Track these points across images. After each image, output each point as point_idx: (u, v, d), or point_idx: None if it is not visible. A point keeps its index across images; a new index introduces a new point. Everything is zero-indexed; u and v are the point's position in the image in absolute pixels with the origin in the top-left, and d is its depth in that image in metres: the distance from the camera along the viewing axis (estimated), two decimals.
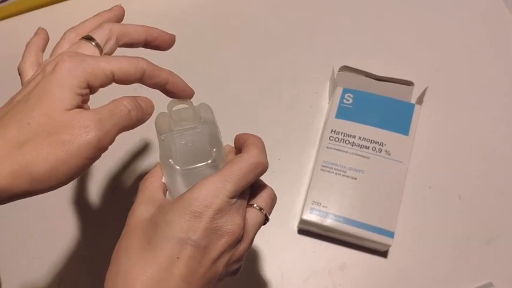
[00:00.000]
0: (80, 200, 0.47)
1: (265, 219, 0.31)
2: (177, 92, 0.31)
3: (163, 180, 0.31)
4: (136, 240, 0.27)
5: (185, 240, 0.26)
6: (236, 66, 0.53)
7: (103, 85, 0.28)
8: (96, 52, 0.30)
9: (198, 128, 0.32)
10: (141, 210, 0.29)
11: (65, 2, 0.57)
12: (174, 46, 0.55)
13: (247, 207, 0.30)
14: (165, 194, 0.31)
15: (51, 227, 0.46)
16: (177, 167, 0.30)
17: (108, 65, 0.27)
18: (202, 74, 0.52)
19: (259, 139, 0.31)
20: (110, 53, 0.31)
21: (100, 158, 0.28)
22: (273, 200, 0.32)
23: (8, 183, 0.24)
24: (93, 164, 0.28)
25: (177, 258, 0.26)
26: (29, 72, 0.31)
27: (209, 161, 0.31)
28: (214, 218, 0.27)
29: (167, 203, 0.28)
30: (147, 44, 0.33)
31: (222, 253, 0.27)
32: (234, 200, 0.28)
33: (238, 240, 0.28)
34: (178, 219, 0.26)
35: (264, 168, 0.30)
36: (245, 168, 0.28)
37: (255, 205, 0.30)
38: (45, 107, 0.25)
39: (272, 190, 0.32)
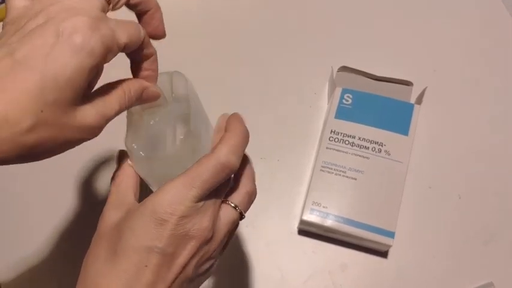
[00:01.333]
0: (79, 197, 0.46)
1: (241, 216, 0.30)
2: (149, 68, 0.29)
3: (135, 168, 0.30)
4: (103, 249, 0.26)
5: (151, 249, 0.25)
6: (235, 67, 0.53)
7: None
8: (104, 4, 0.27)
9: (168, 106, 0.29)
10: (110, 214, 0.28)
11: None
12: (172, 44, 0.54)
13: (222, 202, 0.29)
14: (136, 195, 0.30)
15: (50, 220, 0.45)
16: (141, 154, 0.28)
17: (123, 37, 0.25)
18: (200, 74, 0.52)
19: (235, 134, 0.29)
20: (117, 9, 0.28)
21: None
22: (251, 195, 0.30)
23: None
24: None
25: (145, 266, 0.25)
26: None
27: (174, 150, 0.28)
28: (179, 224, 0.26)
29: (134, 208, 0.27)
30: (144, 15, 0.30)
31: (191, 257, 0.27)
32: (201, 203, 0.27)
33: (207, 241, 0.27)
34: (142, 226, 0.26)
35: (231, 171, 0.28)
36: (212, 170, 0.27)
37: (229, 202, 0.29)
38: (58, 97, 0.22)
39: (251, 185, 0.30)
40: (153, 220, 0.26)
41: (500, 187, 0.46)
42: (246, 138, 0.29)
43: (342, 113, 0.45)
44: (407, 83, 0.48)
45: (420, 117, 0.45)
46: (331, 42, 0.54)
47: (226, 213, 0.29)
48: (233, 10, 0.56)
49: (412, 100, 0.47)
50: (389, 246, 0.41)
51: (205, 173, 0.27)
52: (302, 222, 0.42)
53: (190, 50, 0.53)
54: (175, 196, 0.26)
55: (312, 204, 0.42)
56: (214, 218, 0.28)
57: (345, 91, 0.46)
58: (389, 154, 0.43)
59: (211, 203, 0.28)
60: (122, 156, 0.31)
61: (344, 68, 0.48)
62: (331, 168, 0.43)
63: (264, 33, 0.54)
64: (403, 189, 0.42)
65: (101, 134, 0.26)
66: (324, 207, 0.41)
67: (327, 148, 0.44)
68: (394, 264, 0.43)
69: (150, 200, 0.26)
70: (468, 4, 0.55)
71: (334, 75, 0.48)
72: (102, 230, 0.27)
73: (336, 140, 0.44)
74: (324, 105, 0.50)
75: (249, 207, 0.31)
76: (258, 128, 0.49)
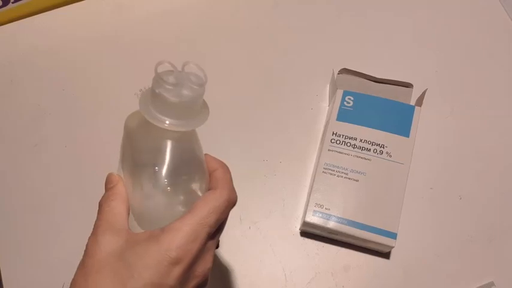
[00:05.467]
0: (86, 205, 0.47)
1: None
2: None
3: (131, 192, 0.29)
4: (108, 281, 0.26)
5: (162, 285, 0.26)
6: (236, 69, 0.53)
7: None
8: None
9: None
10: (107, 241, 0.27)
11: (62, 8, 0.57)
12: (173, 48, 0.55)
13: None
14: (127, 221, 0.29)
15: (56, 232, 0.46)
16: (165, 181, 0.28)
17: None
18: None
19: (228, 171, 0.31)
20: None
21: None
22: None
23: None
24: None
25: None
26: None
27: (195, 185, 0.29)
28: (191, 263, 0.27)
29: (139, 240, 0.27)
30: None
31: None
32: (210, 242, 0.28)
33: (206, 279, 0.29)
34: (156, 264, 0.26)
35: (234, 204, 0.30)
36: (221, 208, 0.28)
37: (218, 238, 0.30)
38: None
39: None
40: (167, 259, 0.26)
41: (501, 187, 0.46)
42: (229, 173, 0.31)
43: (344, 115, 0.46)
44: (407, 85, 0.48)
45: (421, 119, 0.46)
46: (332, 45, 0.54)
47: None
48: (234, 12, 0.56)
49: (413, 102, 0.48)
50: (392, 247, 0.41)
51: (216, 211, 0.28)
52: (305, 223, 0.42)
53: (189, 52, 0.54)
54: (189, 235, 0.26)
55: (315, 206, 0.42)
56: (213, 257, 0.29)
57: (346, 93, 0.47)
58: (390, 156, 0.44)
59: (214, 242, 0.29)
60: (112, 180, 0.31)
61: (345, 71, 0.48)
62: (333, 170, 0.43)
63: (265, 36, 0.55)
64: (404, 191, 0.42)
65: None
66: (326, 208, 0.42)
67: (328, 150, 0.44)
68: (397, 265, 0.43)
69: (162, 238, 0.26)
70: (467, 7, 0.56)
71: (335, 78, 0.48)
72: (100, 258, 0.27)
73: (338, 142, 0.44)
74: (325, 107, 0.50)
75: None
76: (260, 130, 0.49)
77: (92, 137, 0.50)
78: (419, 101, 0.46)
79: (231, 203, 0.29)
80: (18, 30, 0.56)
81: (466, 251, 0.44)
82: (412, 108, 0.46)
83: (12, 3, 0.55)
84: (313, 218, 0.42)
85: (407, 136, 0.44)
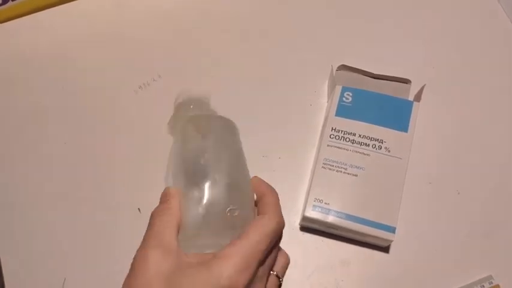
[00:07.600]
0: (87, 201, 0.47)
1: (280, 285, 0.31)
2: None
3: (184, 207, 0.29)
4: None
5: None
6: (234, 65, 0.53)
7: None
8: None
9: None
10: (156, 259, 0.26)
11: (62, 6, 0.57)
12: (172, 46, 0.55)
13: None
14: (177, 238, 0.28)
15: (56, 227, 0.46)
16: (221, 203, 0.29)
17: None
18: (200, 72, 0.53)
19: (276, 196, 0.31)
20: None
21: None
22: (288, 265, 0.32)
23: None
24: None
25: None
26: None
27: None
28: None
29: (189, 264, 0.27)
30: None
31: None
32: (260, 269, 0.28)
33: None
34: None
35: (282, 229, 0.30)
36: (271, 235, 0.28)
37: (275, 273, 0.30)
38: None
39: (288, 256, 0.32)
40: (217, 287, 0.25)
41: (499, 182, 0.47)
42: (278, 198, 0.32)
43: (342, 110, 0.46)
44: (405, 81, 0.48)
45: (419, 114, 0.46)
46: (330, 42, 0.54)
47: (272, 283, 0.30)
48: (233, 9, 0.57)
49: (411, 97, 0.48)
50: (391, 241, 0.41)
51: (267, 238, 0.28)
52: (304, 218, 0.42)
53: (190, 49, 0.54)
54: (239, 264, 0.26)
55: (314, 201, 0.42)
56: (264, 285, 0.29)
57: (344, 89, 0.47)
58: (389, 151, 0.44)
59: (266, 270, 0.29)
60: (167, 194, 0.30)
61: (343, 67, 0.49)
62: (333, 165, 0.43)
63: (263, 32, 0.55)
64: (403, 185, 0.43)
65: None
66: (325, 203, 0.42)
67: (328, 145, 0.44)
68: (396, 259, 0.44)
69: (213, 267, 0.26)
70: (465, 4, 0.56)
71: (334, 74, 0.49)
72: (148, 277, 0.26)
73: (337, 137, 0.45)
74: (324, 103, 0.51)
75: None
76: (259, 126, 0.50)
77: (92, 134, 0.50)
78: (418, 97, 0.47)
79: (281, 228, 0.29)
80: (18, 28, 0.57)
81: (465, 245, 0.44)
82: (410, 103, 0.46)
83: (12, 1, 0.55)
84: (313, 213, 0.42)
85: (406, 131, 0.45)
